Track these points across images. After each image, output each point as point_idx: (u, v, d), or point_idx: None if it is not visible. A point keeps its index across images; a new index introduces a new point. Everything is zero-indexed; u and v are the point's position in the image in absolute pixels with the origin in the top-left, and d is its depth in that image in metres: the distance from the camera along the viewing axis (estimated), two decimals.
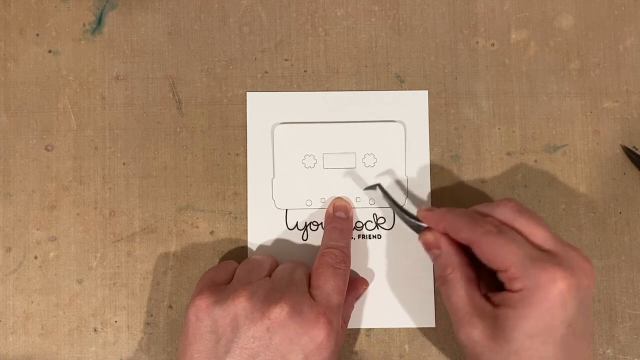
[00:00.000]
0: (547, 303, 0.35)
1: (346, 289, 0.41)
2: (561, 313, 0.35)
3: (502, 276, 0.37)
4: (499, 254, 0.36)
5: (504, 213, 0.38)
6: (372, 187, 0.44)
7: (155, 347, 0.44)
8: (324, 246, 0.42)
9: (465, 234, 0.38)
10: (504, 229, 0.37)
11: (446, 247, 0.39)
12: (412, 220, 0.41)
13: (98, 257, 0.45)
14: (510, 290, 0.36)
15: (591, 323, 0.37)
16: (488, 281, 0.39)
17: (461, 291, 0.38)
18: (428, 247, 0.40)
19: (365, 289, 0.44)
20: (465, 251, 0.39)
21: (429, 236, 0.40)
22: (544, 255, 0.36)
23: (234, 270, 0.42)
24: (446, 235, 0.39)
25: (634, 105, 0.46)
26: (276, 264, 0.42)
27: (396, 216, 0.44)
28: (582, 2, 0.46)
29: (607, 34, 0.46)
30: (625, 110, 0.46)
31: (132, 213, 0.45)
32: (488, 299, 0.37)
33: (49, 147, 0.45)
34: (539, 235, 0.37)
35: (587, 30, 0.46)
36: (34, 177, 0.45)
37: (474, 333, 0.36)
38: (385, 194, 0.43)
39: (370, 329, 0.44)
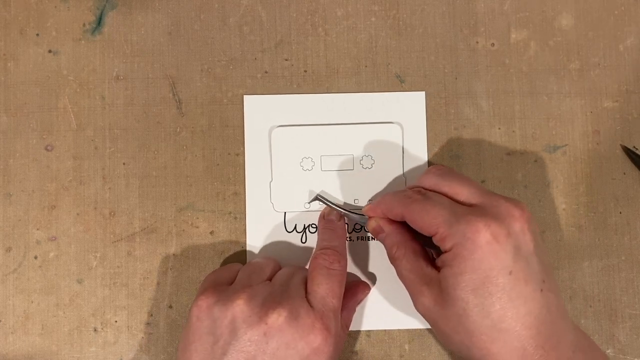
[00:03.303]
0: (478, 253, 0.35)
1: (343, 289, 0.41)
2: (495, 261, 0.35)
3: (435, 240, 0.38)
4: (425, 218, 0.37)
5: (429, 180, 0.40)
6: (314, 200, 0.44)
7: (155, 347, 0.44)
8: (317, 248, 0.42)
9: (396, 210, 0.39)
10: (429, 194, 0.39)
11: (388, 228, 0.41)
12: (360, 217, 0.43)
13: (98, 257, 0.45)
14: (445, 252, 0.37)
15: (542, 267, 0.37)
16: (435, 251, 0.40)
17: (408, 265, 0.39)
18: (374, 233, 0.42)
19: (367, 293, 0.44)
20: (409, 227, 0.40)
21: (372, 222, 0.41)
22: (469, 210, 0.37)
23: (237, 272, 0.42)
24: (387, 218, 0.41)
25: (634, 105, 0.46)
26: (278, 268, 0.42)
27: None
28: (582, 2, 0.46)
29: (607, 34, 0.46)
30: (625, 110, 0.46)
31: (132, 213, 0.45)
32: (435, 266, 0.38)
33: (49, 147, 0.45)
34: (463, 192, 0.38)
35: (587, 30, 0.46)
36: (34, 177, 0.45)
37: (425, 301, 0.38)
38: (327, 202, 0.44)
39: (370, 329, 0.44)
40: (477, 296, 0.35)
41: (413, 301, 0.39)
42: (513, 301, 0.35)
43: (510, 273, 0.35)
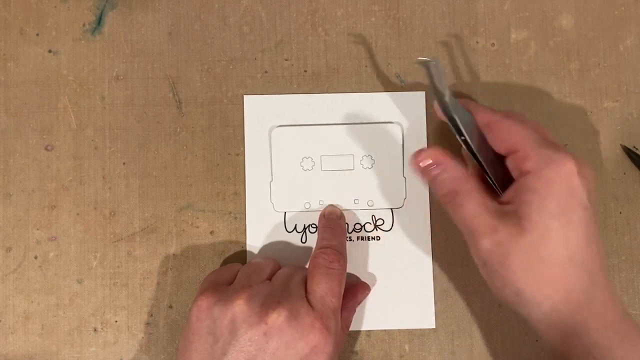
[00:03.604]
0: (562, 180, 0.36)
1: (343, 289, 0.41)
2: (575, 194, 0.36)
3: (513, 159, 0.37)
4: (515, 133, 0.38)
5: (510, 113, 0.40)
6: (425, 62, 0.38)
7: (155, 347, 0.44)
8: (317, 247, 0.42)
9: (486, 114, 0.39)
10: (521, 117, 0.39)
11: (451, 160, 0.39)
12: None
13: (98, 257, 0.45)
14: (522, 173, 0.37)
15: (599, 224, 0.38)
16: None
17: (476, 199, 0.37)
18: (427, 166, 0.39)
19: (367, 294, 0.44)
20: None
21: (430, 152, 0.39)
22: (554, 142, 0.38)
23: (237, 272, 0.42)
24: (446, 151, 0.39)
25: (634, 105, 0.46)
26: (278, 268, 0.42)
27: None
28: (582, 2, 0.46)
29: (607, 34, 0.46)
30: (625, 110, 0.46)
31: (132, 213, 0.45)
32: (500, 203, 0.38)
33: (49, 147, 0.45)
34: (545, 131, 0.39)
35: (587, 30, 0.46)
36: (34, 177, 0.45)
37: (499, 236, 0.36)
38: (431, 76, 0.38)
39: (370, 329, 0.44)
40: (559, 223, 0.35)
41: (476, 240, 0.37)
42: (588, 236, 0.36)
43: (586, 209, 0.36)
